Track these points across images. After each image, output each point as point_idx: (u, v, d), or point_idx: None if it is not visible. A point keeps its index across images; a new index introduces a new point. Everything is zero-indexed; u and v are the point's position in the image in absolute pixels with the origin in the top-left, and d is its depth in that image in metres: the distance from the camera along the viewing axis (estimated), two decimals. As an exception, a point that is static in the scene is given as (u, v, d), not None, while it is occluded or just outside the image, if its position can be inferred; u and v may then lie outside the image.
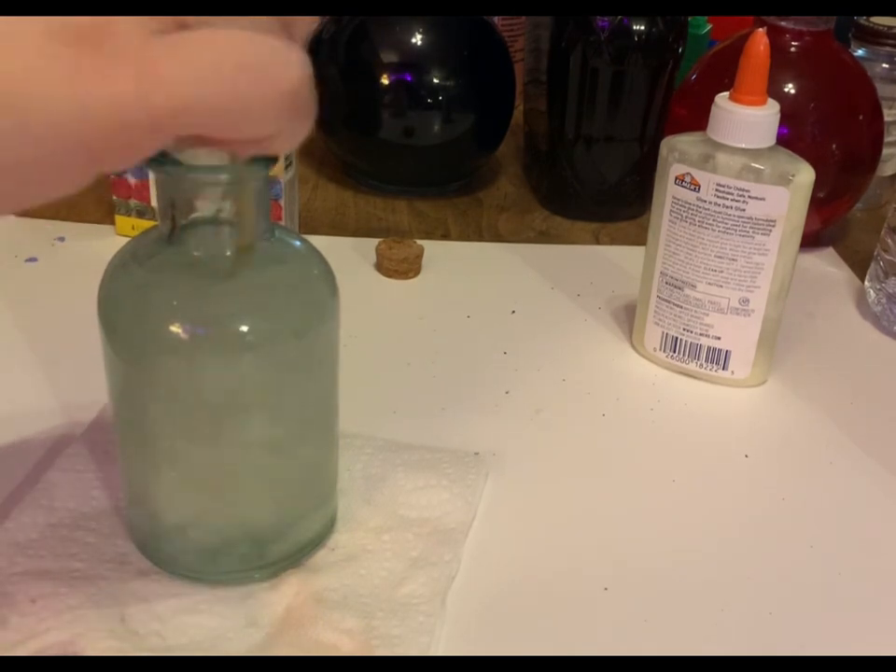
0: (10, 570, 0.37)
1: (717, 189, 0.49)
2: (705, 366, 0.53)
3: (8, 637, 0.35)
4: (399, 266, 0.62)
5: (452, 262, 0.65)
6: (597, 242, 0.70)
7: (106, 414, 0.46)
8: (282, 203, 0.61)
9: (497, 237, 0.69)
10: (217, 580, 0.38)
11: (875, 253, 0.61)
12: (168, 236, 0.34)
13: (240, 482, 0.37)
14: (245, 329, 0.34)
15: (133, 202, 0.63)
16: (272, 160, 0.33)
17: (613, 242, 0.70)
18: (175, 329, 0.33)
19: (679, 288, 0.52)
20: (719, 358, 0.53)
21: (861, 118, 0.66)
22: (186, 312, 0.34)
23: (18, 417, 0.47)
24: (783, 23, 0.63)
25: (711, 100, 0.49)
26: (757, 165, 0.48)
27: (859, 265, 0.67)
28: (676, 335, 0.53)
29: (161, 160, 0.31)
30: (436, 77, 0.70)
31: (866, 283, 0.62)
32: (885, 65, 0.71)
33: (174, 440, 0.36)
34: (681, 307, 0.53)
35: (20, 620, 0.35)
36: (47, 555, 0.38)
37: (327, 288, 0.37)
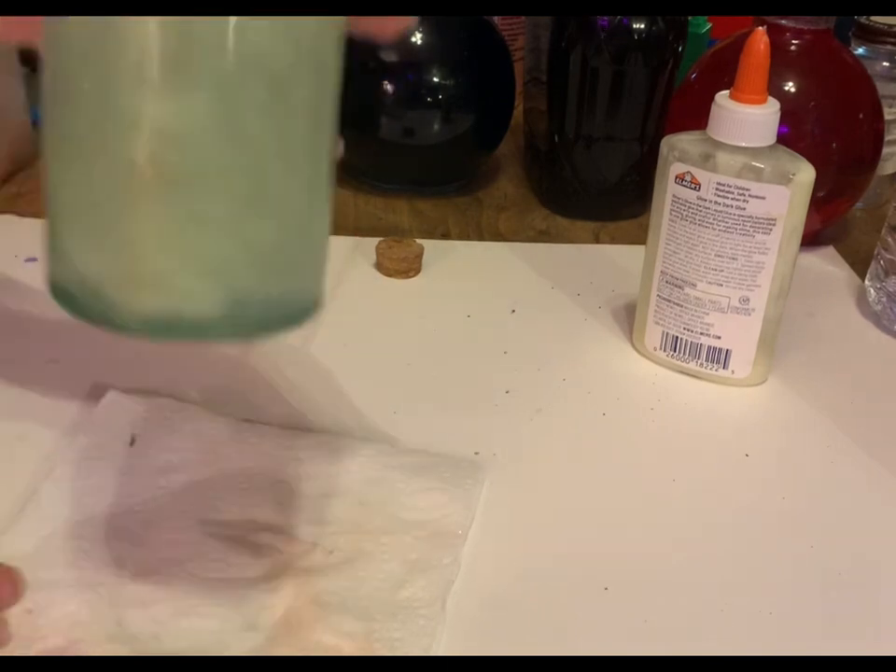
0: None
1: (717, 188, 0.49)
2: (705, 365, 0.53)
3: (5, 648, 0.35)
4: (399, 266, 0.62)
5: (452, 262, 0.65)
6: (597, 241, 0.70)
7: (98, 419, 0.46)
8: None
9: (498, 237, 0.69)
10: (177, 336, 0.28)
11: (876, 252, 0.60)
12: None
13: (200, 180, 0.26)
14: None
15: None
16: None
17: (613, 241, 0.69)
18: None
19: (680, 287, 0.52)
20: (719, 358, 0.53)
21: (861, 116, 0.66)
22: None
23: (12, 423, 0.47)
24: (783, 22, 0.62)
25: (711, 99, 0.49)
26: (757, 164, 0.48)
27: (859, 264, 0.67)
28: (676, 334, 0.53)
29: None
30: (436, 77, 0.70)
31: (866, 282, 0.62)
32: (885, 64, 0.71)
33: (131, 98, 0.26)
34: (682, 306, 0.53)
35: (16, 631, 0.35)
36: (42, 566, 0.38)
37: None
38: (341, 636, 0.36)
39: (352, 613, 0.37)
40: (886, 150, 0.68)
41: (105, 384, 0.48)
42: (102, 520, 0.41)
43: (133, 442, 0.44)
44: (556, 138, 0.70)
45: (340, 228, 0.69)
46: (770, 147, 0.49)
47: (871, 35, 0.71)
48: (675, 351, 0.54)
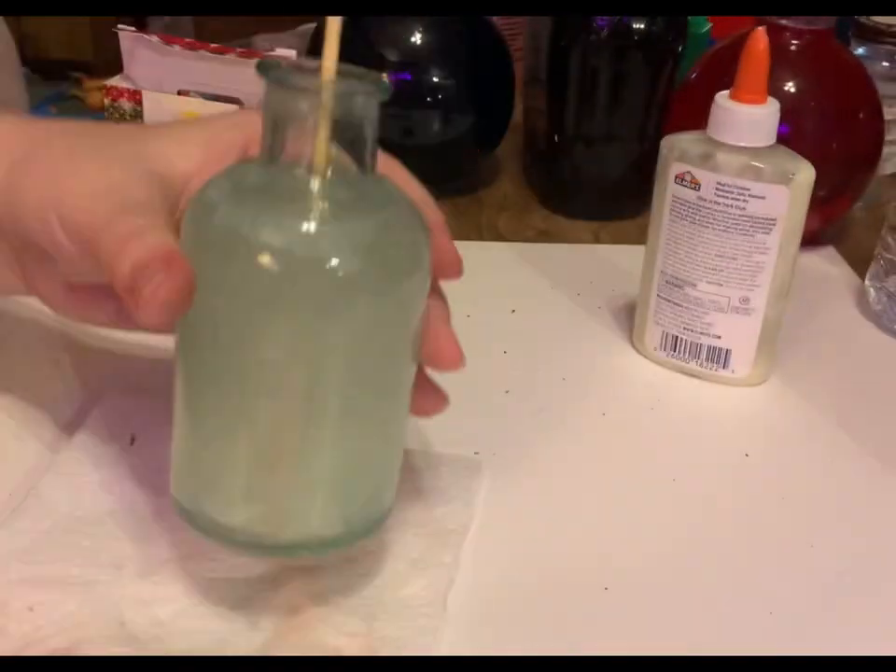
0: (7, 577, 0.37)
1: (717, 188, 0.49)
2: (705, 365, 0.53)
3: (7, 646, 0.35)
4: (399, 266, 0.62)
5: (452, 262, 0.65)
6: (597, 241, 0.70)
7: (99, 417, 0.46)
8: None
9: (497, 236, 0.69)
10: (303, 554, 0.37)
11: (876, 252, 0.60)
12: (269, 159, 0.32)
13: (301, 446, 0.34)
14: (334, 263, 0.31)
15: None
16: (387, 90, 0.31)
17: (613, 241, 0.69)
18: (262, 259, 0.31)
19: (680, 287, 0.52)
20: (719, 357, 0.53)
21: (861, 116, 0.66)
22: (275, 243, 0.31)
23: (13, 418, 0.47)
24: (783, 22, 0.62)
25: (711, 98, 0.49)
26: (757, 164, 0.48)
27: (859, 264, 0.67)
28: (676, 334, 0.53)
29: (274, 66, 0.31)
30: (435, 77, 0.70)
31: (867, 282, 0.62)
32: (885, 64, 0.71)
33: (249, 380, 0.33)
34: (682, 306, 0.53)
35: (17, 628, 0.35)
36: (43, 561, 0.38)
37: (421, 243, 0.34)
38: (343, 635, 0.36)
39: (354, 613, 0.37)
40: (886, 150, 0.68)
41: (104, 384, 0.48)
42: (102, 518, 0.41)
43: (133, 441, 0.44)
44: (556, 138, 0.70)
45: (340, 228, 0.69)
46: (770, 146, 0.49)
47: (871, 35, 0.71)
48: (675, 351, 0.54)
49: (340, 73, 0.32)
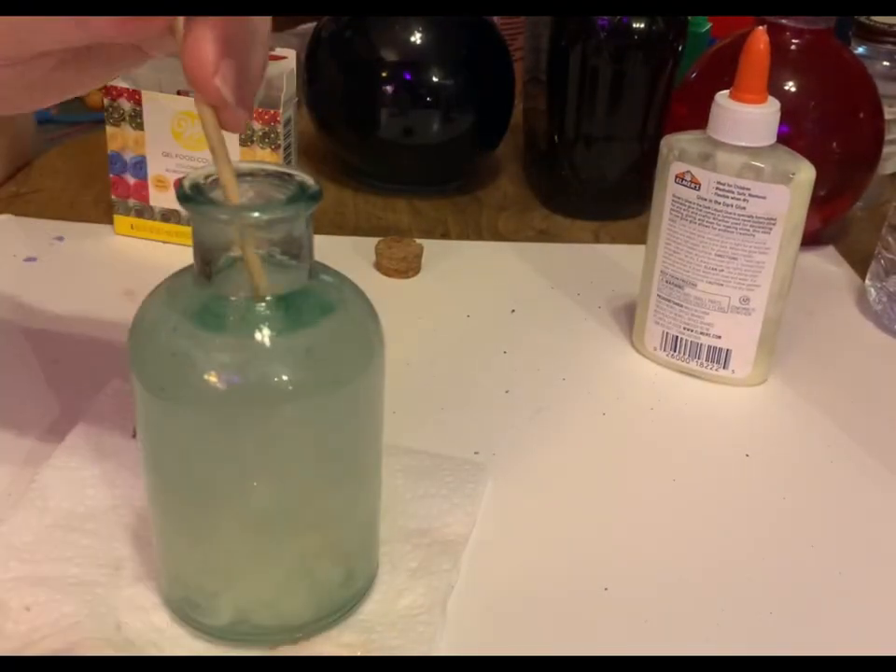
0: (4, 575, 0.37)
1: (717, 188, 0.49)
2: (705, 365, 0.53)
3: (3, 646, 0.35)
4: (399, 265, 0.62)
5: (451, 261, 0.65)
6: (597, 241, 0.70)
7: (100, 409, 0.46)
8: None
9: (497, 236, 0.69)
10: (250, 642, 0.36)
11: (876, 251, 0.60)
12: (204, 278, 0.32)
13: (273, 544, 0.35)
14: (284, 378, 0.32)
15: (131, 201, 0.63)
16: (314, 198, 0.31)
17: (613, 241, 0.69)
18: (210, 378, 0.31)
19: (680, 287, 0.52)
20: (719, 357, 0.53)
21: (861, 116, 0.66)
22: (221, 361, 0.31)
23: (13, 415, 0.47)
24: (783, 21, 0.62)
25: (711, 98, 0.49)
26: (757, 163, 0.48)
27: (859, 264, 0.67)
28: (676, 334, 0.53)
29: (194, 198, 0.30)
30: (435, 76, 0.70)
31: (867, 281, 0.62)
32: (885, 63, 0.71)
33: (210, 493, 0.34)
34: (682, 306, 0.52)
35: (14, 628, 0.35)
36: (41, 559, 0.38)
37: (371, 335, 0.35)
38: (339, 647, 0.36)
39: (350, 625, 0.37)
40: (886, 150, 0.68)
41: (105, 383, 0.48)
42: (102, 514, 0.41)
43: (134, 434, 0.44)
44: (556, 138, 0.70)
45: (339, 228, 0.69)
46: (770, 146, 0.49)
47: (871, 35, 0.71)
48: (675, 351, 0.54)
49: (266, 177, 0.32)
